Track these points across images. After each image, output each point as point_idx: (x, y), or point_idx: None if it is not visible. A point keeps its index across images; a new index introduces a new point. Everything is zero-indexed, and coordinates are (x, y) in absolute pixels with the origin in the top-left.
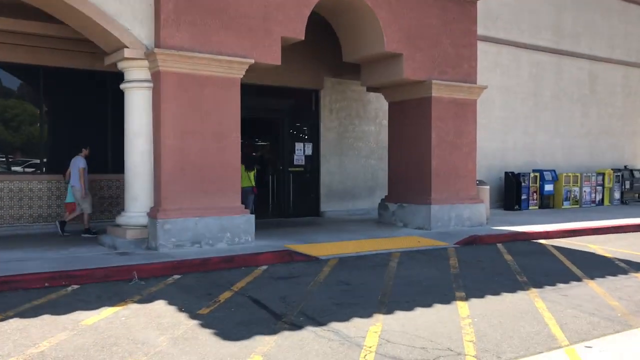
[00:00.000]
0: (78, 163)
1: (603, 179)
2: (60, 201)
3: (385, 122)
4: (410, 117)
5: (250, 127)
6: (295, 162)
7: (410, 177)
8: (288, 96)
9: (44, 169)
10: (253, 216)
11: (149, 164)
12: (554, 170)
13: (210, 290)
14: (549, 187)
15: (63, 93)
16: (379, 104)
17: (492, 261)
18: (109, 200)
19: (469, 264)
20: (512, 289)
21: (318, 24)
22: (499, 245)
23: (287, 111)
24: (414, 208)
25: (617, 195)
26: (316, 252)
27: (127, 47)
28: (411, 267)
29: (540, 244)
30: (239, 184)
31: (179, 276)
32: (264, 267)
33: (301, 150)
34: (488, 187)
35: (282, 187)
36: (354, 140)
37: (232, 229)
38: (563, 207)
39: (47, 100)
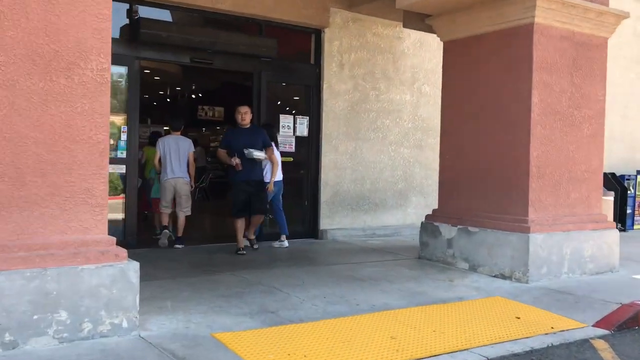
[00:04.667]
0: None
1: None
2: None
3: (428, 88)
4: (488, 65)
5: (199, 85)
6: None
7: (485, 177)
8: (267, 36)
9: None
10: None
11: None
12: None
13: None
14: None
15: None
16: (419, 59)
17: None
18: None
19: None
20: None
21: None
22: None
23: (266, 62)
24: (494, 236)
25: None
26: None
27: None
28: None
29: None
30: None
31: None
32: None
33: (289, 128)
34: (612, 197)
35: None
36: (378, 114)
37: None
38: None
39: None
